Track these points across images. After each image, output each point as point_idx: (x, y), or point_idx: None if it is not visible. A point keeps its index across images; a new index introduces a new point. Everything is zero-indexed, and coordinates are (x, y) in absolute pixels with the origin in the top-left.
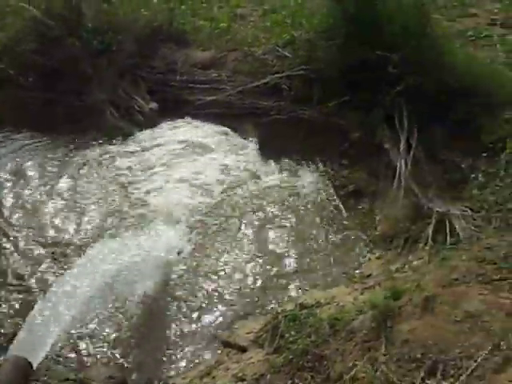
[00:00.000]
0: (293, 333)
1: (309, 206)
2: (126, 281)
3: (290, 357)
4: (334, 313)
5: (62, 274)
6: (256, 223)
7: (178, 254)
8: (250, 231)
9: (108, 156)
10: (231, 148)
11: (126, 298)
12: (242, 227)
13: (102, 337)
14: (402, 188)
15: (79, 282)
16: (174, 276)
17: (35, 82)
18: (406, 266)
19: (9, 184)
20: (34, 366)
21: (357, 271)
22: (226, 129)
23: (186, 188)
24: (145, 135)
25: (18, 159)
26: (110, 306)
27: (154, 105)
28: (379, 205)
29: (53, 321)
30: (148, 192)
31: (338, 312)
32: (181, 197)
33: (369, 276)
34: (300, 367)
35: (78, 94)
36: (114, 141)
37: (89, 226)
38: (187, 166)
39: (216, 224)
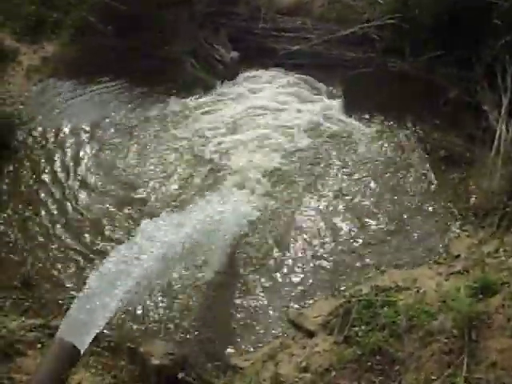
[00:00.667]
0: (365, 323)
1: (394, 171)
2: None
3: (360, 352)
4: (413, 303)
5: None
6: (334, 187)
7: None
8: (328, 194)
9: (187, 112)
10: (316, 103)
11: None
12: (319, 190)
13: (165, 306)
14: (501, 156)
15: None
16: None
17: (115, 29)
18: (501, 250)
19: (85, 137)
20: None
21: (443, 250)
22: (311, 79)
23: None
24: (225, 88)
25: (96, 110)
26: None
27: (235, 54)
28: (474, 174)
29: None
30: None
31: (418, 302)
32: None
33: (457, 257)
34: (368, 368)
35: (159, 44)
36: (194, 94)
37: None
38: (269, 122)
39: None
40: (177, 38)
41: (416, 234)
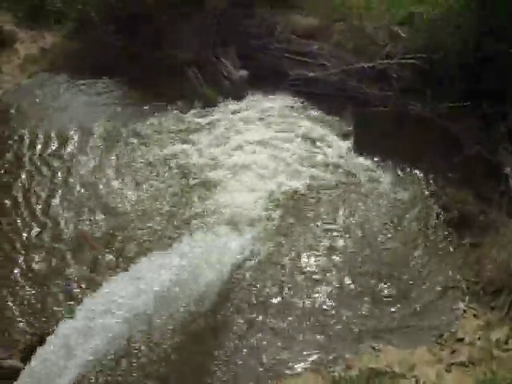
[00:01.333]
0: None
1: (402, 228)
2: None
3: None
4: None
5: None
6: (338, 243)
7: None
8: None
9: (183, 127)
10: (325, 138)
11: None
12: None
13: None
14: None
15: None
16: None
17: (118, 29)
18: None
19: (69, 145)
20: None
21: (447, 329)
22: (322, 114)
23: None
24: (228, 108)
25: (86, 115)
26: None
27: (244, 72)
28: (487, 242)
29: None
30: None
31: None
32: (261, 194)
33: (461, 340)
34: None
35: (160, 48)
36: (192, 109)
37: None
38: (274, 156)
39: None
40: (181, 42)
41: (419, 306)
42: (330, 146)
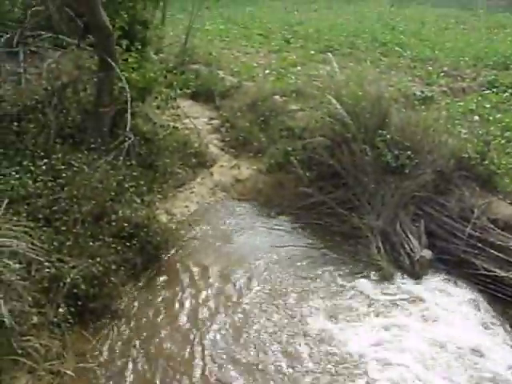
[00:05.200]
0: None
1: None
2: None
3: None
4: None
5: None
6: None
7: None
8: None
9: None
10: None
11: None
12: None
13: None
14: None
15: None
16: None
17: (317, 178)
18: None
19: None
20: None
21: None
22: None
23: None
24: (403, 287)
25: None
26: None
27: (428, 253)
28: None
29: None
30: None
31: None
32: None
33: None
34: None
35: (349, 206)
36: (363, 277)
37: None
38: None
39: None
40: (375, 209)
41: None
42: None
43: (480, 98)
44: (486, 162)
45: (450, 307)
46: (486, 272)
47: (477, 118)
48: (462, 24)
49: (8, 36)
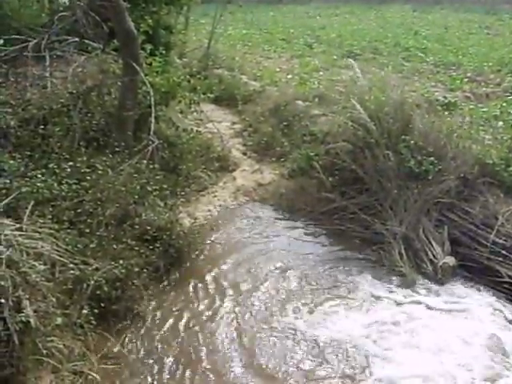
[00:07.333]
0: None
1: None
2: None
3: None
4: None
5: None
6: None
7: None
8: None
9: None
10: None
11: None
12: None
13: None
14: None
15: None
16: None
17: (338, 183)
18: None
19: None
20: None
21: None
22: None
23: None
24: (425, 293)
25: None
26: None
27: (451, 260)
28: None
29: None
30: None
31: None
32: None
33: None
34: None
35: (372, 212)
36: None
37: None
38: None
39: None
40: (398, 215)
41: None
42: None
43: (504, 104)
44: (511, 169)
45: (473, 315)
46: (510, 280)
47: (501, 123)
48: (486, 29)
49: (36, 41)
